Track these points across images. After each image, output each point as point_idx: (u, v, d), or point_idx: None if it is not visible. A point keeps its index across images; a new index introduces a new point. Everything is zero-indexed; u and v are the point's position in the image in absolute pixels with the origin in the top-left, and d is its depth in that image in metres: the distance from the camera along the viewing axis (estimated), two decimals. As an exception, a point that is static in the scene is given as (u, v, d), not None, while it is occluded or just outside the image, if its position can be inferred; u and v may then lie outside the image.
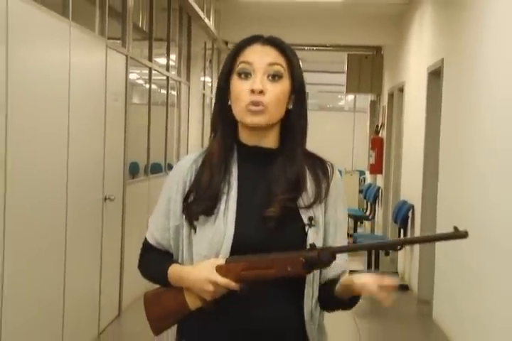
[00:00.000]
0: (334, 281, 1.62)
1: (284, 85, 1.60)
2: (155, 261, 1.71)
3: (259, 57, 1.58)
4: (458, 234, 1.53)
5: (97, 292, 4.87)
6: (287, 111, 1.63)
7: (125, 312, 5.48)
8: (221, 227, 1.58)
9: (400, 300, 6.47)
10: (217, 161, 1.62)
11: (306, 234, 1.59)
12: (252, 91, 1.56)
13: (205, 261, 1.58)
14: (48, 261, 3.88)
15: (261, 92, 1.56)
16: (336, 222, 1.66)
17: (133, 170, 6.05)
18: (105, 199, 4.94)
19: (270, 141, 1.64)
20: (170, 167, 7.00)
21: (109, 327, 5.10)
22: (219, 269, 1.57)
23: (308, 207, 1.60)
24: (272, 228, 1.58)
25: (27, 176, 3.52)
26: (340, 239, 1.67)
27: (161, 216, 1.68)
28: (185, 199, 1.64)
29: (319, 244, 1.60)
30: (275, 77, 1.58)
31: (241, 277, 1.57)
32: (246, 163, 1.63)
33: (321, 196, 1.62)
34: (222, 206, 1.59)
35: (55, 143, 3.95)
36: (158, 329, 1.72)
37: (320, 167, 1.66)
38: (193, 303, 1.64)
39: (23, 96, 3.44)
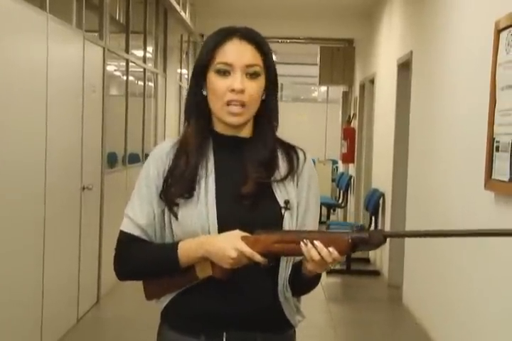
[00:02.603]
0: (301, 262, 1.63)
1: (261, 81, 1.64)
2: (149, 247, 1.63)
3: (238, 58, 1.60)
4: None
5: (75, 279, 4.90)
6: (261, 101, 1.67)
7: (103, 299, 5.53)
8: (203, 210, 1.60)
9: (371, 285, 6.63)
10: (193, 148, 1.65)
11: (282, 217, 1.61)
12: (233, 90, 1.59)
13: (229, 231, 1.56)
14: (27, 250, 3.90)
15: (241, 91, 1.60)
16: (307, 204, 1.68)
17: (111, 160, 6.07)
18: (83, 188, 4.96)
19: (246, 131, 1.68)
20: (147, 157, 7.02)
21: (88, 314, 5.14)
22: (245, 239, 1.54)
23: (282, 180, 1.64)
24: (250, 207, 1.60)
25: (5, 166, 3.53)
26: (311, 222, 1.66)
27: (143, 202, 1.65)
28: (163, 185, 1.64)
29: (293, 228, 1.62)
30: (253, 75, 1.62)
31: (271, 249, 1.53)
32: (222, 150, 1.67)
33: (293, 171, 1.65)
34: (202, 190, 1.62)
35: (34, 134, 3.96)
36: (151, 294, 1.67)
37: (292, 151, 1.70)
38: (202, 271, 1.58)
39: (0, 88, 3.44)
